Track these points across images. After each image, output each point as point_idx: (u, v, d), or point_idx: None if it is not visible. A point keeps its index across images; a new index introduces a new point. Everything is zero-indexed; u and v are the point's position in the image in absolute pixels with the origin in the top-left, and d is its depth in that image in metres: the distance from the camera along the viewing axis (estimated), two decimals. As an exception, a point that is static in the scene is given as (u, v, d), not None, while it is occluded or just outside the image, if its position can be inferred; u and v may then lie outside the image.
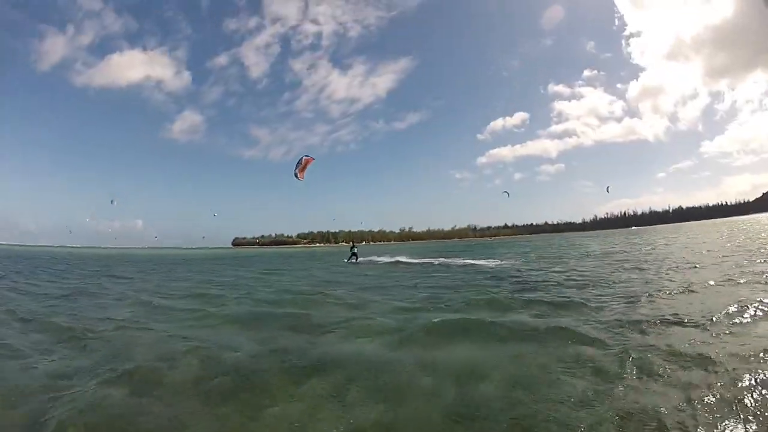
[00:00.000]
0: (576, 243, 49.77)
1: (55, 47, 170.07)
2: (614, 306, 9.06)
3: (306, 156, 30.60)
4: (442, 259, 27.59)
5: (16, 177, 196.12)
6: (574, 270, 16.84)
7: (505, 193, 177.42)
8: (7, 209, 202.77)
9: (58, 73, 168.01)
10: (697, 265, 15.27)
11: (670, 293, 10.09)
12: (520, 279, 14.83)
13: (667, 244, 31.85)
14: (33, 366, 6.18)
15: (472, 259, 26.24)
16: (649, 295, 9.96)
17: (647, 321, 7.45)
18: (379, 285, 15.22)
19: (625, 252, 26.91)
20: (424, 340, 6.96)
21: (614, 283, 12.39)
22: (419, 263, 26.39)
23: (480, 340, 6.82)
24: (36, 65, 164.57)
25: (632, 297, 9.89)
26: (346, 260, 32.49)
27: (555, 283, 13.12)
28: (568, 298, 10.21)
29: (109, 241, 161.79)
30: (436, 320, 8.10)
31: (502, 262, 22.77)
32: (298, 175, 29.98)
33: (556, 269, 17.72)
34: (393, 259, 30.31)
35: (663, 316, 7.77)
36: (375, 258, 32.74)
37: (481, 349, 6.39)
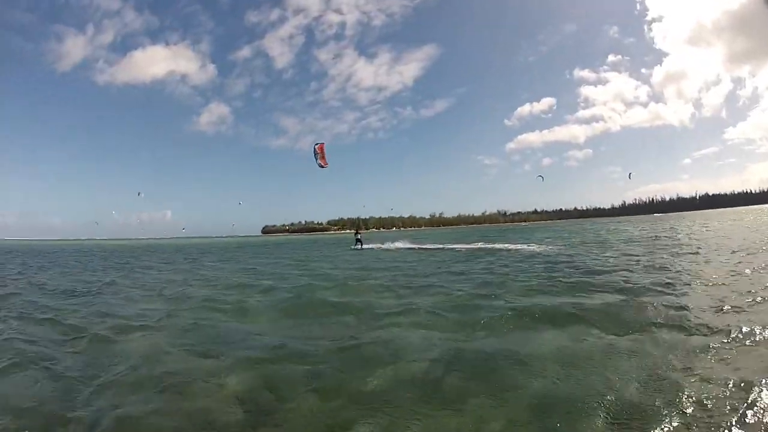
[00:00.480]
0: (612, 228, 47.98)
1: (74, 48, 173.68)
2: (695, 291, 8.40)
3: (316, 144, 30.64)
4: (481, 244, 26.77)
5: (42, 175, 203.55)
6: (628, 255, 15.82)
7: (540, 177, 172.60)
8: (34, 206, 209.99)
9: (79, 72, 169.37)
10: (746, 251, 14.44)
11: (737, 277, 9.53)
12: (577, 264, 13.81)
13: (704, 230, 30.75)
14: (43, 377, 5.06)
15: (513, 244, 25.17)
16: (718, 278, 9.45)
17: (738, 304, 6.84)
18: (422, 272, 14.40)
19: (667, 237, 25.61)
20: (499, 330, 6.27)
21: (679, 268, 11.50)
22: (458, 248, 25.39)
23: (566, 330, 6.05)
24: (55, 66, 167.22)
25: (705, 281, 9.32)
26: (352, 247, 32.82)
27: (614, 268, 12.19)
28: (640, 284, 9.23)
29: (138, 233, 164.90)
30: (504, 309, 7.37)
31: (547, 247, 21.68)
32: (321, 163, 30.05)
33: (608, 254, 16.64)
34: (424, 246, 29.57)
35: (749, 297, 7.21)
36: (390, 244, 32.42)
37: (571, 340, 5.60)
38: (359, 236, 34.07)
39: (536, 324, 6.49)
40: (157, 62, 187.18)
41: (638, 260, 13.86)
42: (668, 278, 9.94)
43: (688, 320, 6.14)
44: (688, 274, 10.59)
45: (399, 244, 31.14)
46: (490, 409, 3.83)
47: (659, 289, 8.69)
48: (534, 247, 21.92)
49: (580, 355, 5.05)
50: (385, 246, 31.60)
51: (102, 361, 5.62)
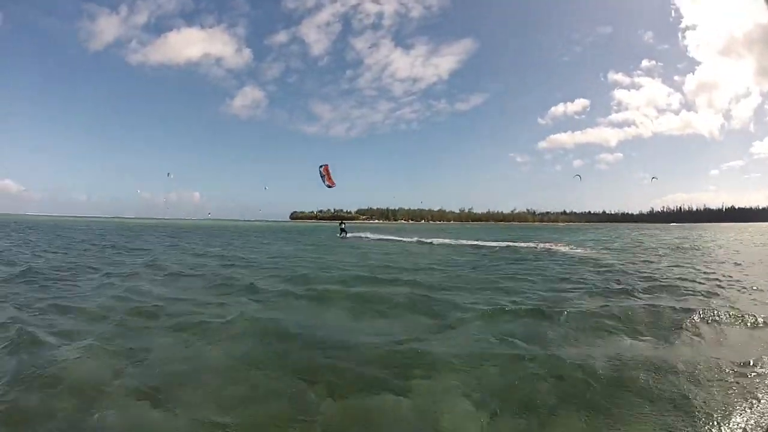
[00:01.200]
0: (648, 234, 46.70)
1: (107, 27, 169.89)
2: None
3: (321, 166, 31.28)
4: (521, 243, 25.73)
5: (69, 152, 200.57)
6: (685, 266, 14.52)
7: (578, 176, 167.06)
8: (60, 183, 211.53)
9: (112, 51, 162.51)
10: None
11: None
12: (639, 271, 12.73)
13: (738, 242, 29.80)
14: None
15: (554, 245, 23.98)
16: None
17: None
18: (470, 270, 13.58)
19: (710, 248, 24.44)
20: (596, 342, 5.62)
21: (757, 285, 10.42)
22: (497, 246, 23.91)
23: (673, 343, 5.46)
24: (87, 45, 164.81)
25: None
26: (338, 235, 35.69)
27: (681, 278, 11.14)
28: (723, 297, 8.55)
29: (164, 213, 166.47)
30: (586, 316, 6.73)
31: (593, 251, 20.49)
32: (329, 184, 30.08)
33: (664, 263, 15.35)
34: (451, 242, 28.58)
35: None
36: (392, 236, 33.70)
37: (681, 356, 4.91)
38: (343, 226, 37.13)
39: (633, 334, 5.88)
40: (192, 44, 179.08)
41: (702, 272, 12.80)
42: (744, 293, 9.17)
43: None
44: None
45: (408, 239, 31.12)
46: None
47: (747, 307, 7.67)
48: (579, 251, 20.73)
49: (694, 373, 4.41)
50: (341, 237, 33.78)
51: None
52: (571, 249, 21.39)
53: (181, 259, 16.03)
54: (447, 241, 29.02)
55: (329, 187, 31.47)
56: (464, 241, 28.32)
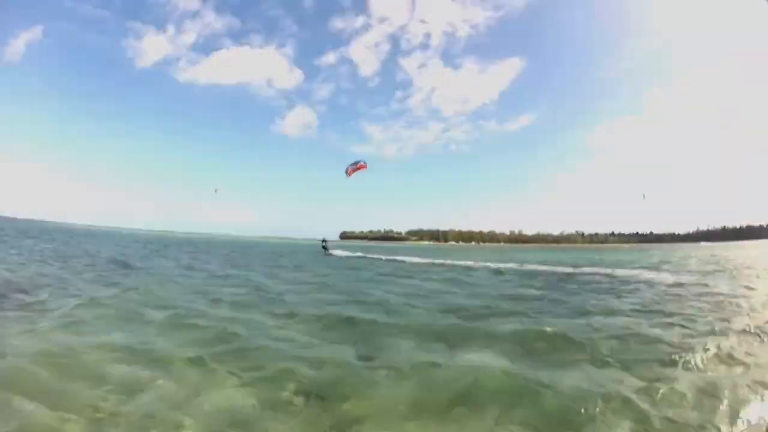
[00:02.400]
0: (709, 253, 44.47)
1: (155, 46, 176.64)
2: None
3: (363, 162, 31.15)
4: (593, 269, 23.37)
5: (115, 164, 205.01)
6: None
7: (643, 195, 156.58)
8: (107, 195, 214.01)
9: (161, 69, 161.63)
10: None
11: None
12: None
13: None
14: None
15: (634, 271, 21.89)
16: None
17: None
18: (563, 302, 12.03)
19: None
20: None
21: None
22: (587, 272, 21.41)
23: None
24: (135, 62, 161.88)
25: None
26: (325, 253, 39.23)
27: None
28: None
29: (213, 228, 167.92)
30: None
31: (681, 276, 18.61)
32: (349, 172, 30.17)
33: None
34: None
35: None
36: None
37: None
38: (324, 244, 41.76)
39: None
40: (241, 64, 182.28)
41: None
42: None
43: None
44: None
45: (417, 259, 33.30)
46: None
47: None
48: (667, 276, 18.47)
49: None
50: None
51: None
52: (657, 274, 19.51)
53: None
54: (512, 265, 26.66)
55: (347, 173, 31.24)
56: (530, 267, 25.90)
